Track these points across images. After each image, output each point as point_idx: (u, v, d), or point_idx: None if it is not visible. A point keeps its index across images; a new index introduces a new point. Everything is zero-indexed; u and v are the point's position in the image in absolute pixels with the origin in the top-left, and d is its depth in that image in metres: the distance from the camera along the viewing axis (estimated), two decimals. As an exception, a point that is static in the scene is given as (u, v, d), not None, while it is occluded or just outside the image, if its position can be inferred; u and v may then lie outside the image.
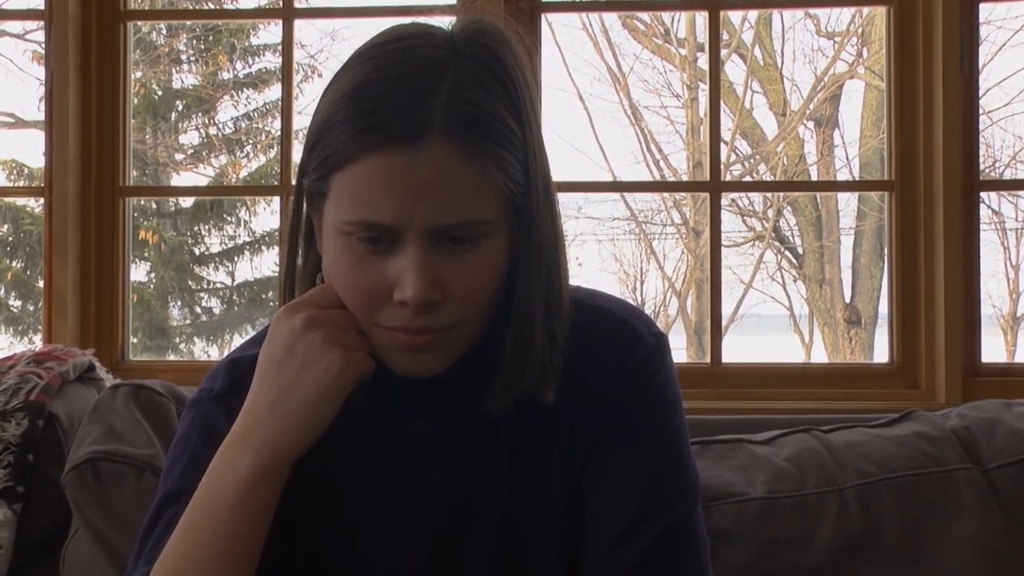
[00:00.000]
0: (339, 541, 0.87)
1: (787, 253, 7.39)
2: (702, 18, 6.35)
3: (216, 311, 7.79)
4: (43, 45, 1.89)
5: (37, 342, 6.98)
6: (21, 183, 7.30)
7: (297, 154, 1.96)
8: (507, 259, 0.80)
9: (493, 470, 0.85)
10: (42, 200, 1.89)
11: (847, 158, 7.16)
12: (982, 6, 1.78)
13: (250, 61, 7.73)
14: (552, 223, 0.82)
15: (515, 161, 0.77)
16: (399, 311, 0.77)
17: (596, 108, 7.95)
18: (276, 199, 2.08)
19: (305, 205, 0.83)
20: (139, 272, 7.42)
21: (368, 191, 0.75)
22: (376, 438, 0.87)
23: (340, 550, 0.87)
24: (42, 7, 1.89)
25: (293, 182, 1.92)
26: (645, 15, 6.90)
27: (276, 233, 7.37)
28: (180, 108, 7.66)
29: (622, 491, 0.83)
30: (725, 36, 6.67)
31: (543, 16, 1.85)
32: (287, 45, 1.93)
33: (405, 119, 0.74)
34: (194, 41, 7.61)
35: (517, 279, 0.80)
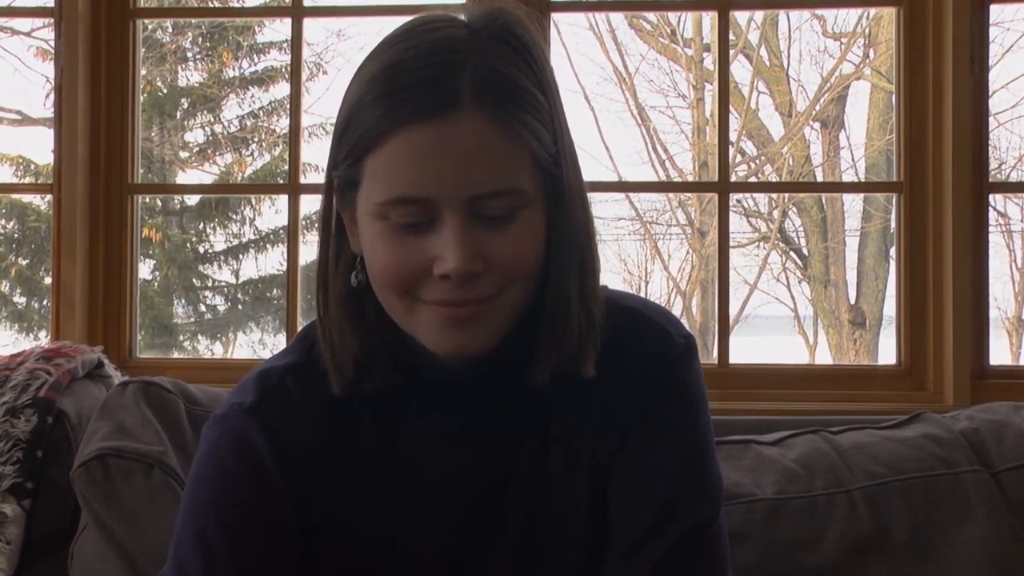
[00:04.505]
0: (368, 535, 0.87)
1: (792, 254, 7.38)
2: (708, 18, 6.35)
3: (220, 309, 7.79)
4: (51, 42, 1.89)
5: (42, 338, 6.99)
6: (27, 179, 7.31)
7: (305, 152, 1.96)
8: (545, 231, 0.80)
9: (521, 466, 0.86)
10: (48, 196, 1.89)
11: (853, 159, 7.15)
12: (992, 7, 1.78)
13: (255, 59, 7.73)
14: (584, 195, 0.82)
15: (544, 130, 0.77)
16: (441, 285, 0.77)
17: (602, 108, 7.95)
18: (281, 197, 2.08)
19: (336, 202, 0.83)
20: (143, 270, 7.43)
21: (402, 168, 0.75)
22: (407, 434, 0.87)
23: (369, 543, 0.87)
24: (52, 5, 1.89)
25: (303, 180, 1.94)
26: (652, 15, 6.90)
27: (281, 231, 7.38)
28: (185, 106, 7.67)
29: (647, 491, 0.83)
30: (731, 36, 6.65)
31: (551, 16, 1.85)
32: (296, 43, 1.93)
33: (434, 93, 0.74)
34: (199, 39, 7.61)
35: (551, 251, 0.80)
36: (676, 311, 7.28)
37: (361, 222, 0.80)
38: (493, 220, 0.76)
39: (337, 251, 0.84)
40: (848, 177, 7.17)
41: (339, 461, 0.80)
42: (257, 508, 0.83)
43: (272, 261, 7.68)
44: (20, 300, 7.36)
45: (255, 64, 7.73)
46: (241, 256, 7.71)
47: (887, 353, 6.58)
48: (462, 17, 0.81)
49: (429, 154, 0.74)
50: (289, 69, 1.98)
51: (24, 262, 7.37)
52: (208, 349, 7.69)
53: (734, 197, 6.70)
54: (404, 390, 0.83)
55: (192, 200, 7.70)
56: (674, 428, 0.85)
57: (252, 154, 7.77)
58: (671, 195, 7.39)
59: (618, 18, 6.85)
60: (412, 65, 0.76)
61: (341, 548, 0.87)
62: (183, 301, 7.75)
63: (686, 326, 0.90)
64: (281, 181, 7.04)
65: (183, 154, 7.66)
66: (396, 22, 0.83)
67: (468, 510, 0.86)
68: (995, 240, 6.81)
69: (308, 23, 1.93)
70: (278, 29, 7.54)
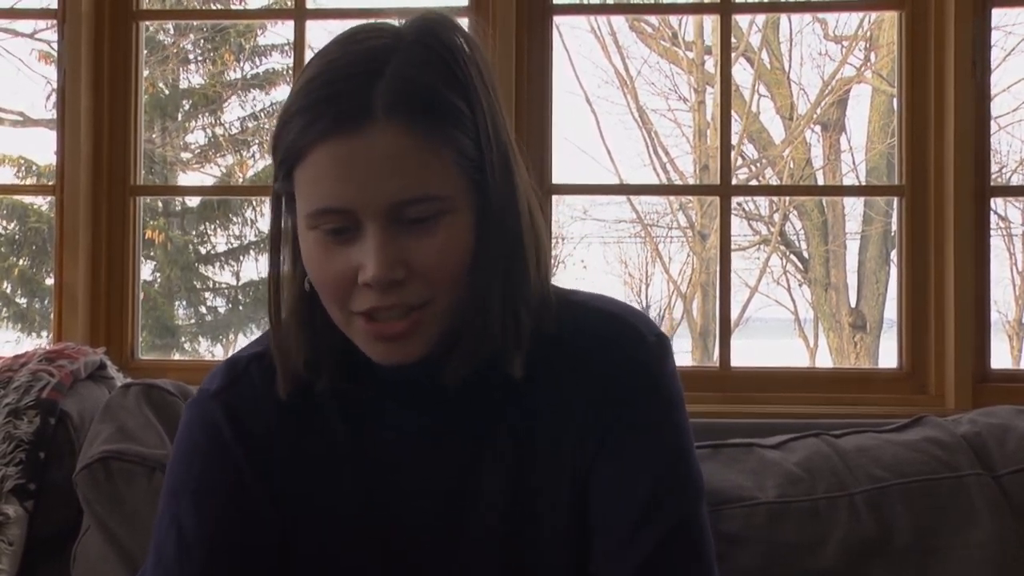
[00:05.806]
0: (345, 535, 0.88)
1: (793, 257, 7.38)
2: (710, 21, 6.35)
3: (221, 310, 7.80)
4: (53, 44, 1.89)
5: (43, 339, 7.00)
6: (29, 180, 7.32)
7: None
8: (474, 235, 0.80)
9: (497, 467, 0.86)
10: (49, 198, 1.90)
11: (854, 163, 7.16)
12: (993, 11, 1.78)
13: (257, 61, 7.74)
14: (514, 200, 0.82)
15: (464, 136, 0.78)
16: (366, 293, 0.78)
17: (603, 110, 7.97)
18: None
19: (286, 211, 0.84)
20: (144, 271, 7.43)
21: (321, 180, 0.76)
22: (370, 432, 0.88)
23: (345, 544, 0.88)
24: (55, 6, 1.89)
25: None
26: (653, 18, 6.91)
27: (282, 233, 7.36)
28: (187, 107, 7.68)
29: (630, 490, 0.84)
30: (733, 40, 6.64)
31: (552, 19, 1.85)
32: (299, 46, 1.93)
33: (348, 105, 0.75)
34: (201, 41, 7.62)
35: (477, 256, 0.81)
36: (676, 314, 7.29)
37: (300, 232, 0.81)
38: (416, 223, 0.77)
39: (293, 257, 0.85)
40: (849, 180, 7.18)
41: (303, 452, 0.83)
42: (226, 489, 0.86)
43: (273, 263, 7.68)
44: (22, 301, 7.37)
45: (256, 66, 7.74)
46: (242, 258, 7.72)
47: (887, 356, 6.59)
48: (395, 23, 0.81)
49: (346, 166, 0.75)
50: (290, 71, 1.98)
51: (25, 262, 7.38)
52: (208, 351, 7.69)
53: (735, 200, 6.69)
54: (362, 389, 0.85)
55: (193, 202, 7.71)
56: (652, 427, 0.85)
57: (253, 156, 7.78)
58: (672, 198, 7.40)
59: (619, 21, 6.86)
60: (331, 78, 0.77)
61: (308, 543, 0.88)
62: (184, 302, 7.76)
63: (664, 328, 0.90)
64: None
65: (184, 155, 7.66)
66: (399, 24, 0.83)
67: (439, 512, 0.86)
68: (995, 244, 6.78)
69: (311, 25, 1.93)
70: (279, 31, 7.56)
